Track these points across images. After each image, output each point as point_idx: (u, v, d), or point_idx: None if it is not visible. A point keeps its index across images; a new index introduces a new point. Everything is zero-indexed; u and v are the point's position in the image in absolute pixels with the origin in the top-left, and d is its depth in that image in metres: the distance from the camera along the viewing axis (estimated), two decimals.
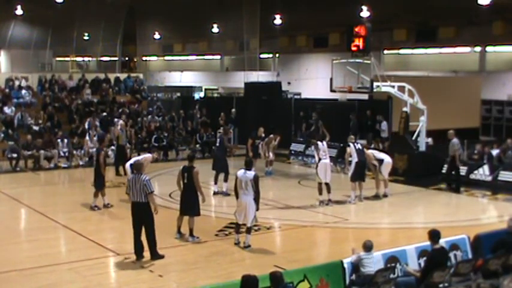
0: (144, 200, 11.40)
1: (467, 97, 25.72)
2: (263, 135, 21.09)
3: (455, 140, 18.65)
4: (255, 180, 12.13)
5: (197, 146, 26.08)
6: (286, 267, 10.14)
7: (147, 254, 11.56)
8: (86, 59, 47.97)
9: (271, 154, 21.31)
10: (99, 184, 15.95)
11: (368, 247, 9.68)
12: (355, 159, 16.83)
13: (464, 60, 32.46)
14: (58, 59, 46.52)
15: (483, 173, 19.24)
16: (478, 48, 31.31)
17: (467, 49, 32.08)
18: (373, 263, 9.56)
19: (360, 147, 17.20)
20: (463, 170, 19.71)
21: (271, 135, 21.42)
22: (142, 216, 11.48)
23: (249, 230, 12.42)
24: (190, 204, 12.71)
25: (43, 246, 12.69)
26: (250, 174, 12.18)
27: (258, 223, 13.42)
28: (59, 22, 37.17)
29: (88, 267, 11.24)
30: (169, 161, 24.13)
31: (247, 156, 20.32)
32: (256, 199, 12.22)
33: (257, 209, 12.34)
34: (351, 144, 17.05)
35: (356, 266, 9.56)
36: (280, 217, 15.52)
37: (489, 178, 19.37)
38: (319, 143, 16.60)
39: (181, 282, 10.57)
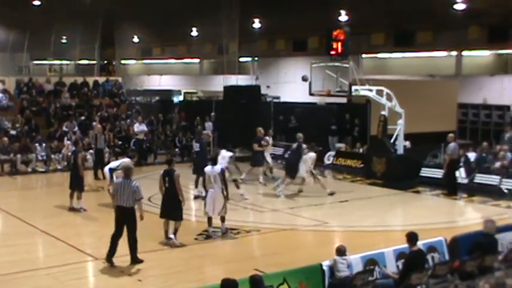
0: (131, 204, 11.40)
1: (444, 101, 25.99)
2: (262, 134, 20.42)
3: (452, 144, 18.57)
4: (222, 173, 13.40)
5: (176, 150, 26.03)
6: (266, 271, 10.17)
7: (126, 258, 11.50)
8: (64, 62, 47.61)
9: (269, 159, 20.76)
10: (81, 186, 15.98)
11: (341, 251, 9.77)
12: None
13: (441, 64, 32.79)
14: (35, 62, 46.12)
15: (459, 175, 19.42)
16: (454, 53, 31.66)
17: (443, 53, 32.42)
18: (347, 266, 9.64)
19: (294, 148, 18.41)
20: (439, 172, 19.86)
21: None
22: (126, 220, 11.44)
23: (222, 219, 13.54)
24: (173, 208, 12.76)
25: (20, 251, 12.56)
26: (217, 168, 13.46)
27: (238, 227, 13.86)
28: (36, 25, 36.82)
29: (66, 272, 11.16)
30: (148, 165, 24.03)
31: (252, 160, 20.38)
32: (225, 190, 13.40)
33: (227, 199, 13.53)
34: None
35: (332, 270, 9.65)
36: (259, 220, 15.58)
37: (465, 181, 19.57)
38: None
39: (160, 287, 10.56)
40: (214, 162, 13.78)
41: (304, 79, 21.18)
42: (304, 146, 18.49)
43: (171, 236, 12.84)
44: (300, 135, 19.06)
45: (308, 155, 18.01)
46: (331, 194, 18.18)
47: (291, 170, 18.23)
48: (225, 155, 17.38)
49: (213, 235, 13.49)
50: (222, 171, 13.45)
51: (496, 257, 10.49)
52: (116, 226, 11.57)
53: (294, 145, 18.97)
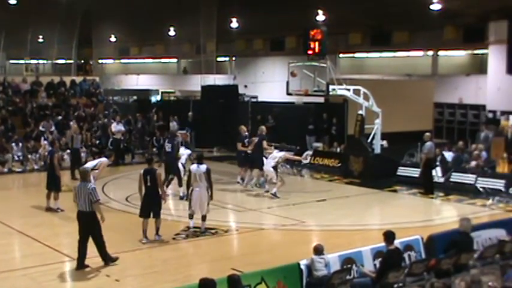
0: (89, 209, 11.16)
1: (420, 100, 26.24)
2: (246, 133, 19.99)
3: (428, 143, 18.67)
4: (208, 172, 13.42)
5: (154, 149, 25.92)
6: (244, 270, 10.18)
7: (98, 260, 11.42)
8: (41, 61, 47.20)
9: None
10: (58, 186, 15.89)
11: (319, 250, 9.83)
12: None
13: (417, 64, 33.08)
14: (11, 61, 45.67)
15: (436, 174, 19.60)
16: (430, 53, 31.97)
17: (420, 53, 32.72)
18: (325, 265, 9.69)
19: (256, 141, 18.60)
20: (416, 171, 20.02)
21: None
22: (88, 225, 11.23)
23: (204, 217, 13.64)
24: (156, 206, 12.83)
25: None
26: (203, 167, 13.47)
27: (216, 226, 13.91)
28: (12, 24, 36.49)
29: (43, 272, 11.09)
30: (126, 165, 23.91)
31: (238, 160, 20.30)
32: (210, 189, 13.50)
33: (211, 199, 13.62)
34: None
35: (309, 269, 9.70)
36: (237, 220, 15.60)
37: (442, 179, 19.77)
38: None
39: (138, 287, 10.53)
40: (200, 160, 13.76)
41: (293, 74, 21.14)
42: (253, 137, 18.86)
43: (156, 237, 12.95)
44: (262, 128, 19.12)
45: (279, 153, 18.06)
46: (271, 194, 17.77)
47: (255, 162, 18.42)
48: (183, 152, 17.62)
49: (192, 230, 13.60)
50: (208, 170, 13.46)
51: (471, 255, 10.63)
52: (79, 232, 11.30)
53: (255, 138, 18.91)
